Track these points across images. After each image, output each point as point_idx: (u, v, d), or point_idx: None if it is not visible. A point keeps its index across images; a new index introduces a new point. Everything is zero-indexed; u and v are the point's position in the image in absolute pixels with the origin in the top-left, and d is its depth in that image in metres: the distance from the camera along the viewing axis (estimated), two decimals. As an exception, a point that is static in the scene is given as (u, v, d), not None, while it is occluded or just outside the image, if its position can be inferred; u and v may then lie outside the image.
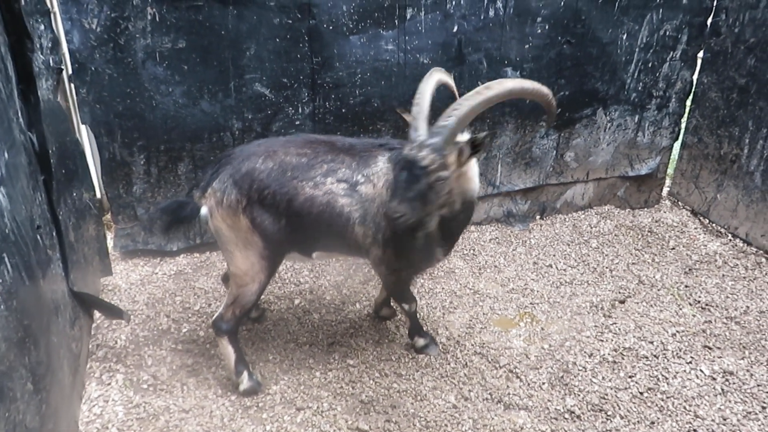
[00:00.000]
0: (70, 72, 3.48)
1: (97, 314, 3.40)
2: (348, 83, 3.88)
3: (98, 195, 4.25)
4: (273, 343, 3.35)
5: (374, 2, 3.70)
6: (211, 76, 3.66)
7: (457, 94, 2.75)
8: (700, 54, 4.57)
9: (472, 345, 3.37)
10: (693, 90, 4.66)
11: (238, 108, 3.78)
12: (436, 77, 2.72)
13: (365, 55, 3.83)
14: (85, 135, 4.09)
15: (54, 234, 2.86)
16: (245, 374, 2.97)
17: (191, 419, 2.85)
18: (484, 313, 3.65)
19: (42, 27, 3.02)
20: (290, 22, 3.63)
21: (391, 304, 3.54)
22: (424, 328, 3.37)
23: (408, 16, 3.79)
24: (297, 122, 3.92)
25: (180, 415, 2.87)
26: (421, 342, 3.30)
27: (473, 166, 2.70)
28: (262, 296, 3.11)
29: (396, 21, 3.78)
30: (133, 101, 3.59)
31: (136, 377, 3.09)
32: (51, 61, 3.15)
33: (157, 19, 3.43)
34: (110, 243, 4.02)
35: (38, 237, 2.57)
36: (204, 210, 2.76)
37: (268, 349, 3.30)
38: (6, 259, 2.13)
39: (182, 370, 3.14)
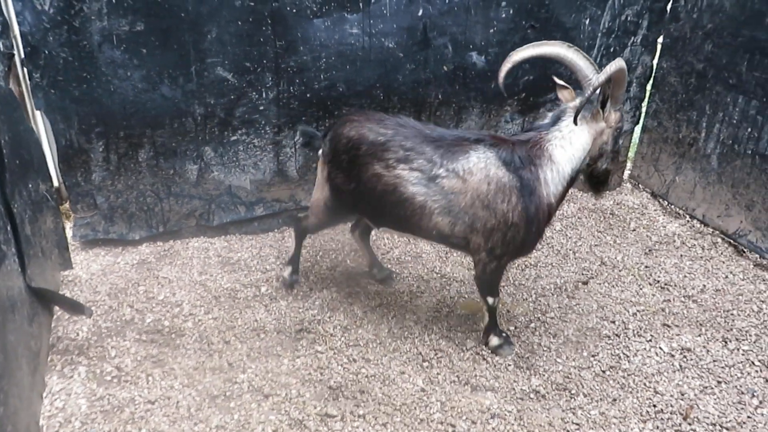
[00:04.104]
0: (22, 56, 3.35)
1: (57, 309, 3.32)
2: (312, 67, 3.83)
3: (55, 184, 4.12)
4: (239, 332, 3.32)
5: (338, -15, 3.66)
6: (171, 60, 3.56)
7: None
8: (660, 39, 4.65)
9: (440, 329, 3.41)
10: (653, 75, 4.76)
11: (199, 93, 3.70)
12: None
13: (330, 39, 3.78)
14: (40, 122, 3.96)
15: (8, 228, 2.76)
16: (290, 268, 3.68)
17: (157, 410, 2.81)
18: (451, 297, 3.68)
19: (-10, 11, 2.92)
20: (252, 4, 3.56)
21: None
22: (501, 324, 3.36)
23: (373, 0, 3.75)
24: (261, 107, 3.86)
25: (145, 406, 2.83)
26: (495, 341, 3.26)
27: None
28: (391, 264, 3.99)
29: (361, 4, 3.74)
30: (89, 86, 3.48)
31: (99, 369, 3.03)
32: (2, 46, 3.04)
33: (114, 0, 3.32)
34: (69, 233, 3.92)
35: (-10, 234, 2.47)
36: (320, 151, 3.27)
37: (235, 338, 3.28)
38: None
39: (147, 361, 3.10)
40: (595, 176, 3.11)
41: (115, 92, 3.54)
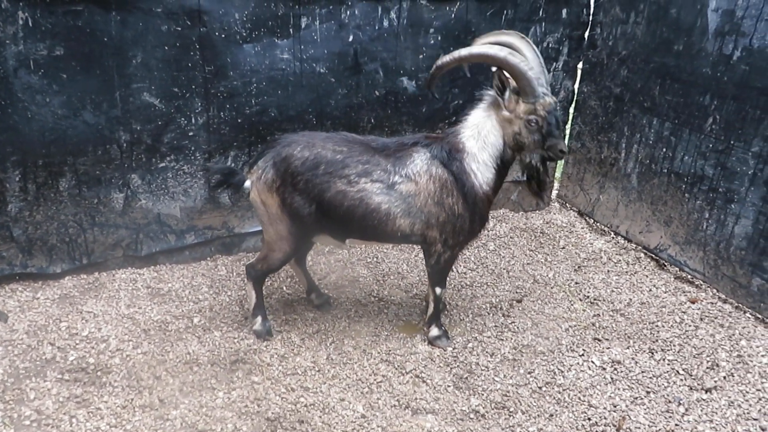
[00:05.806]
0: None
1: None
2: (243, 93, 3.79)
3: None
4: (171, 366, 3.18)
5: (268, 11, 3.65)
6: (94, 86, 3.44)
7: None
8: (580, 65, 4.89)
9: (379, 353, 3.38)
10: (575, 98, 4.98)
11: (125, 119, 3.58)
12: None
13: (260, 64, 3.76)
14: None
15: None
16: (259, 318, 3.43)
17: (82, 454, 2.65)
18: (389, 320, 3.67)
19: None
20: (179, 29, 3.49)
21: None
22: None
23: (303, 26, 3.76)
24: (191, 133, 3.77)
25: (68, 451, 2.66)
26: (435, 332, 3.48)
27: None
28: (328, 289, 3.94)
29: (291, 30, 3.74)
30: (4, 113, 3.30)
31: (16, 413, 2.82)
32: None
33: (30, 24, 3.19)
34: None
35: None
36: (248, 183, 3.14)
37: (166, 372, 3.14)
38: None
39: (70, 402, 2.91)
40: (527, 169, 3.20)
41: (32, 119, 3.37)
